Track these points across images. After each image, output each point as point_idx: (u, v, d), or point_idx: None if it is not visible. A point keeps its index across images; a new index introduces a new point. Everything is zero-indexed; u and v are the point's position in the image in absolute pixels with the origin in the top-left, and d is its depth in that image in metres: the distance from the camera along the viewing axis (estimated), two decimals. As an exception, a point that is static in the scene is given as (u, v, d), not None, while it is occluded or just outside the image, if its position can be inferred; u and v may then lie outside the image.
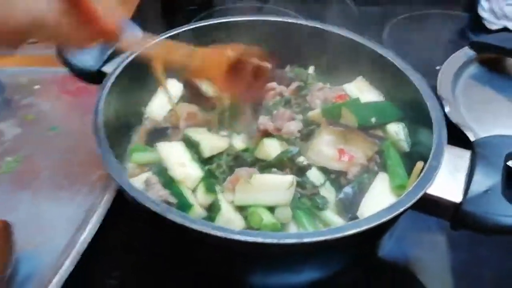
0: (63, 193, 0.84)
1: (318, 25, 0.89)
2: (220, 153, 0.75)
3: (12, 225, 0.71)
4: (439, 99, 0.99)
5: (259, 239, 0.49)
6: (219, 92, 0.81)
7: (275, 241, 0.49)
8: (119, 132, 0.76)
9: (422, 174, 0.60)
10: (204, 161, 0.74)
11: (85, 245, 0.70)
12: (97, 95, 0.72)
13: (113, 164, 0.61)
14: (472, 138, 0.90)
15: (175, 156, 0.71)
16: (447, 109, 0.97)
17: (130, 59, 0.79)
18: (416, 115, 0.75)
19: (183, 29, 0.88)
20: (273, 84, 0.87)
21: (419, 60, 1.24)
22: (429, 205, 0.61)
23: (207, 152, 0.73)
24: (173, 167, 0.69)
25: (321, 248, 0.55)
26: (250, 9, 1.42)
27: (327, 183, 0.72)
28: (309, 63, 0.95)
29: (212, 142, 0.75)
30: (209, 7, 1.44)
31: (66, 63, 0.80)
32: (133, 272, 0.76)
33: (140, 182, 0.68)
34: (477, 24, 1.35)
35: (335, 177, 0.72)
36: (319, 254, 0.59)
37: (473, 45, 1.14)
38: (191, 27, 0.89)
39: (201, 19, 1.37)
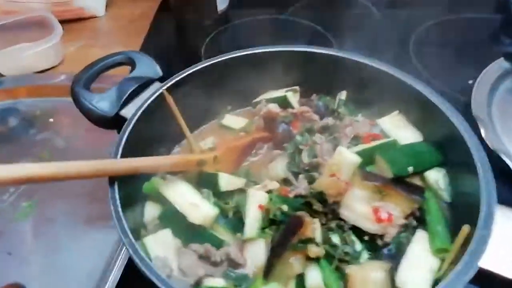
0: (81, 240, 0.82)
1: (349, 55, 0.83)
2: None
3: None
4: (474, 120, 0.93)
5: None
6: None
7: None
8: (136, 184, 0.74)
9: (472, 246, 0.55)
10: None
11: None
12: (114, 147, 0.70)
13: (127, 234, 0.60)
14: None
15: (185, 197, 0.69)
16: (483, 132, 0.91)
17: (148, 102, 0.76)
18: (457, 159, 0.69)
19: (203, 65, 0.83)
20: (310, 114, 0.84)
21: (451, 72, 1.18)
22: (480, 279, 0.55)
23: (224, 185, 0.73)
24: (186, 211, 0.67)
25: None
26: (267, 21, 1.34)
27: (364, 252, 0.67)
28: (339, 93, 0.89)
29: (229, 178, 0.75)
30: (225, 21, 1.37)
31: (83, 110, 0.78)
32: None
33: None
34: (512, 27, 1.26)
35: (369, 239, 0.66)
36: None
37: (508, 57, 1.06)
38: (214, 61, 0.84)
39: (218, 34, 1.31)
